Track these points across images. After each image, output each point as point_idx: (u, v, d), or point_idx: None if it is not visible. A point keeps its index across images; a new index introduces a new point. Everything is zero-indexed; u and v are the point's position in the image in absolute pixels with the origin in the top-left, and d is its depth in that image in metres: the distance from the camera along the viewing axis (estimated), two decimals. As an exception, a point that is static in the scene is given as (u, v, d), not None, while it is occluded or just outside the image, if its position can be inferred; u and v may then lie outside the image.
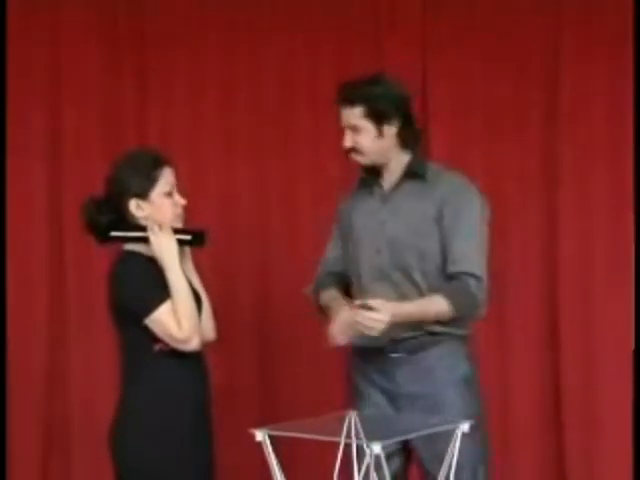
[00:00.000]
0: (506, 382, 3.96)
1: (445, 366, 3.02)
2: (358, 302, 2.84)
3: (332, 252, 3.24)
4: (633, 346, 3.80)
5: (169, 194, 2.93)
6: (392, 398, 3.05)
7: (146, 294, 2.84)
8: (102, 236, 2.91)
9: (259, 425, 2.41)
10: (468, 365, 3.06)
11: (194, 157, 4.00)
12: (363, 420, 2.39)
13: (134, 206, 2.91)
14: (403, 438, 2.60)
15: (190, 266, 3.04)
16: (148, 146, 2.96)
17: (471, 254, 2.99)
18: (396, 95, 3.06)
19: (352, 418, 2.39)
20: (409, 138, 3.08)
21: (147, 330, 2.86)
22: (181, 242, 2.91)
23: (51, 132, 4.03)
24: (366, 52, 3.99)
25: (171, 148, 3.94)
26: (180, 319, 2.82)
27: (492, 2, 3.96)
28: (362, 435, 2.35)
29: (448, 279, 3.00)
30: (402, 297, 3.01)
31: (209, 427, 2.97)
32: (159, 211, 2.92)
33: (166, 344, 2.87)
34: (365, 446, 2.29)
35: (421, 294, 3.00)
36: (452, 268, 2.99)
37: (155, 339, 2.87)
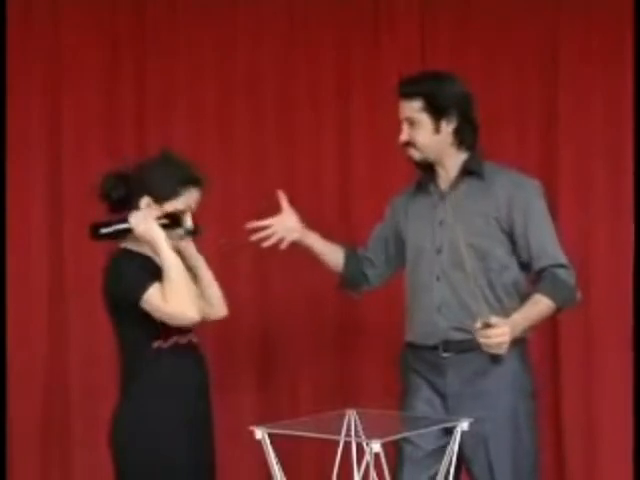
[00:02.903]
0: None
1: (497, 369, 2.98)
2: (478, 324, 2.80)
3: (370, 241, 3.30)
4: (633, 345, 3.81)
5: (182, 212, 2.93)
6: (444, 397, 3.04)
7: (136, 280, 2.82)
8: (93, 234, 2.90)
9: (258, 423, 2.41)
10: (517, 359, 3.01)
11: (194, 157, 3.99)
12: (364, 418, 2.40)
13: (145, 203, 2.91)
14: (401, 437, 2.60)
15: (192, 250, 3.05)
16: (193, 159, 2.96)
17: (550, 246, 3.02)
18: (456, 92, 3.06)
19: (352, 416, 2.39)
20: (467, 137, 3.07)
21: (144, 326, 2.85)
22: (163, 226, 2.88)
23: (51, 131, 4.03)
24: (365, 52, 3.99)
25: (170, 147, 3.96)
26: (167, 294, 2.79)
27: (491, 2, 3.96)
28: (361, 433, 2.35)
29: (536, 276, 3.01)
30: (461, 299, 3.01)
31: (209, 423, 2.97)
32: None
33: (165, 341, 2.87)
34: (365, 444, 2.29)
35: (481, 294, 2.96)
36: (538, 264, 3.00)
37: (153, 337, 2.87)
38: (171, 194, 2.90)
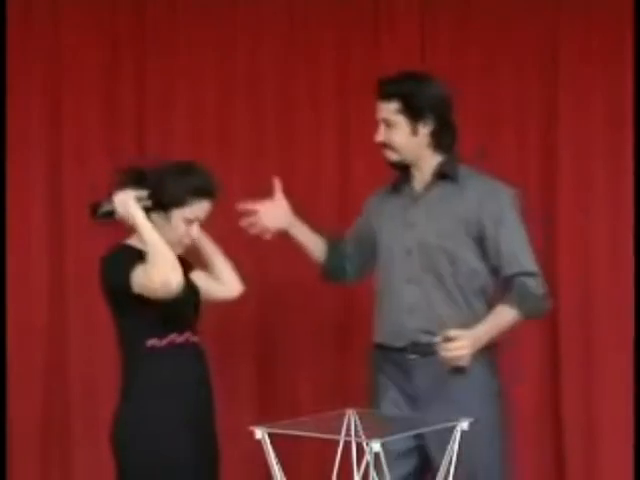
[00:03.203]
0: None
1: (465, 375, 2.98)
2: (438, 338, 2.83)
3: (348, 235, 3.31)
4: (633, 345, 3.81)
5: (189, 222, 2.92)
6: (412, 399, 3.05)
7: (125, 268, 2.83)
8: (90, 215, 2.91)
9: (258, 423, 2.41)
10: (485, 365, 3.02)
11: (194, 157, 3.98)
12: (364, 418, 2.39)
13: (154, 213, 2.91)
14: (402, 436, 2.60)
15: (204, 240, 3.08)
16: (210, 171, 2.96)
17: (520, 253, 3.02)
18: (434, 94, 3.04)
19: (352, 416, 2.39)
20: (443, 140, 3.07)
21: (140, 323, 2.86)
22: (146, 209, 2.88)
23: (51, 131, 4.02)
24: (365, 52, 3.99)
25: (170, 147, 3.97)
26: (149, 267, 2.78)
27: (491, 2, 3.96)
28: (361, 433, 2.35)
29: (505, 282, 3.01)
30: (431, 302, 3.02)
31: (211, 423, 2.97)
32: (169, 228, 2.91)
33: (160, 339, 2.87)
34: (365, 444, 2.29)
35: (449, 297, 3.00)
36: (507, 271, 3.01)
37: (148, 334, 2.87)
38: (179, 202, 2.88)
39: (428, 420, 2.63)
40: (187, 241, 2.95)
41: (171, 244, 2.88)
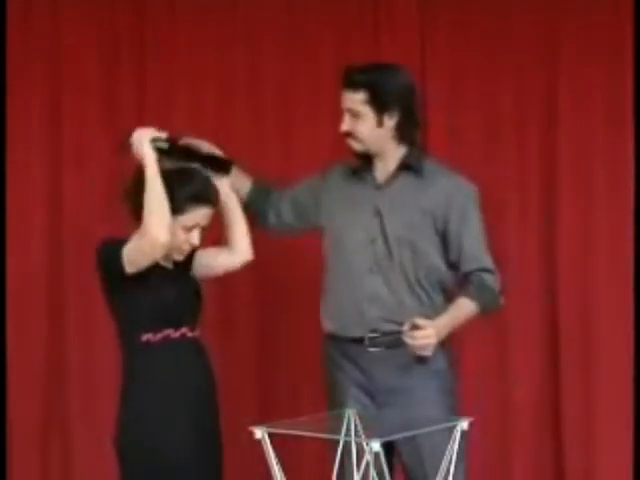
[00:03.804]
0: (505, 381, 3.95)
1: (423, 367, 2.99)
2: (405, 326, 2.85)
3: (289, 189, 3.26)
4: (633, 346, 3.81)
5: (188, 229, 2.90)
6: (371, 395, 3.06)
7: (118, 248, 2.83)
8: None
9: (258, 423, 2.41)
10: (443, 358, 3.05)
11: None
12: (362, 417, 2.39)
13: None
14: (402, 436, 2.61)
15: (226, 188, 3.02)
16: (208, 177, 2.95)
17: (481, 251, 3.08)
18: (401, 85, 3.04)
19: (352, 416, 2.39)
20: (408, 131, 3.07)
21: (134, 315, 2.85)
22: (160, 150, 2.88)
23: (51, 131, 4.02)
24: (364, 51, 3.98)
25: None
26: (145, 215, 2.78)
27: (491, 2, 3.96)
28: (361, 433, 2.35)
29: (462, 278, 3.06)
30: (392, 290, 3.03)
31: (214, 418, 2.96)
32: None
33: (154, 334, 2.86)
34: (365, 444, 2.30)
35: (410, 288, 3.02)
36: (467, 267, 3.06)
37: (142, 328, 2.86)
38: (177, 210, 2.86)
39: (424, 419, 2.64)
40: (187, 248, 2.94)
41: (170, 250, 2.87)
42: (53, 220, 4.01)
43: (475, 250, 3.06)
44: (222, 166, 3.02)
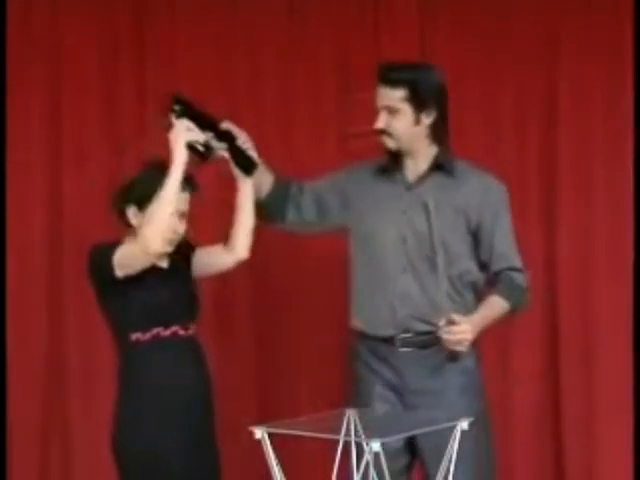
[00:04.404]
0: (505, 381, 3.95)
1: (453, 368, 3.02)
2: (443, 320, 2.85)
3: (317, 184, 3.21)
4: (633, 346, 3.81)
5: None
6: (400, 394, 3.05)
7: (109, 251, 2.83)
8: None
9: (258, 423, 2.41)
10: (472, 357, 3.06)
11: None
12: (364, 417, 2.39)
13: (132, 213, 2.90)
14: (402, 436, 2.61)
15: (248, 191, 3.01)
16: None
17: (511, 250, 3.09)
18: (439, 84, 3.05)
19: (351, 416, 2.39)
20: (441, 131, 3.07)
21: (124, 315, 2.86)
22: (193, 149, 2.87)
23: (51, 131, 4.02)
24: (364, 51, 3.98)
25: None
26: (150, 215, 2.79)
27: (491, 2, 3.96)
28: (361, 433, 2.35)
29: (494, 277, 3.07)
30: (424, 290, 3.02)
31: (208, 419, 2.96)
32: None
33: (143, 333, 2.86)
34: (365, 444, 2.29)
35: (442, 287, 3.01)
36: (497, 266, 3.07)
37: (131, 327, 2.86)
38: (153, 198, 2.84)
39: (423, 418, 2.64)
40: (173, 237, 2.92)
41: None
42: (53, 220, 4.01)
43: (506, 249, 3.07)
44: (245, 166, 3.00)
